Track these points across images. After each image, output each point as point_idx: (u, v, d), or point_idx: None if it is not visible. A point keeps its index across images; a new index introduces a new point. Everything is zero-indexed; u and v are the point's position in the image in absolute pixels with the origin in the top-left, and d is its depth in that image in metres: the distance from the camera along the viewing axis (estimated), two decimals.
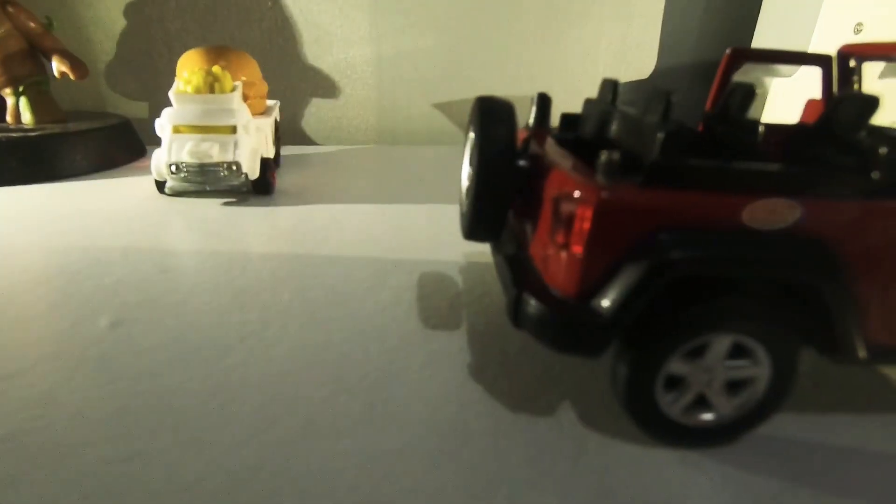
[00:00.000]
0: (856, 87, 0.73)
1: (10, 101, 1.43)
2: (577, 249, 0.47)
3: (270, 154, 1.39)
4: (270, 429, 0.53)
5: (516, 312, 0.52)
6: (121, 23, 1.81)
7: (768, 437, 0.55)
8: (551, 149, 0.60)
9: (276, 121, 1.52)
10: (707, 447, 0.53)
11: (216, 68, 1.21)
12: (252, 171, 1.21)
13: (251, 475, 0.47)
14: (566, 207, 0.47)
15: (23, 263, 0.87)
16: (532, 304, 0.50)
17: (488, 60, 2.04)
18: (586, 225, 0.45)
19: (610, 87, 0.70)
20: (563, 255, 0.48)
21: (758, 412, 0.51)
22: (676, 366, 0.49)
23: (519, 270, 0.56)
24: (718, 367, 0.50)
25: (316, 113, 2.02)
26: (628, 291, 0.45)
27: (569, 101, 2.18)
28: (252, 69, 1.39)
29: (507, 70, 2.07)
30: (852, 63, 0.72)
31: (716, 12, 2.17)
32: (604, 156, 0.46)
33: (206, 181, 1.18)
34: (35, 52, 1.45)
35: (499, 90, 2.10)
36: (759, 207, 0.45)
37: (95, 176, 1.39)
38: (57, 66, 1.44)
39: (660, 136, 0.48)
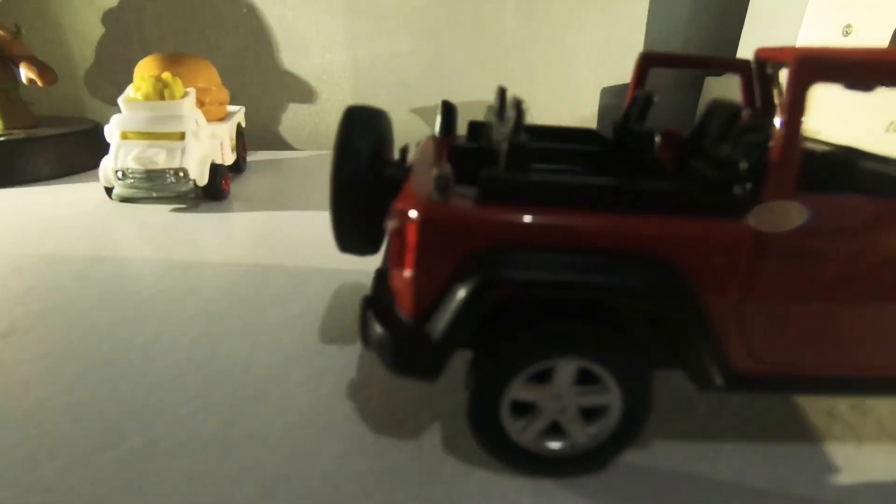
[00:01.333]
0: (775, 93, 0.69)
1: None
2: (408, 268, 0.44)
3: (228, 160, 1.39)
4: (114, 446, 0.52)
5: (364, 331, 0.50)
6: (99, 30, 1.84)
7: (633, 467, 0.51)
8: (423, 159, 0.58)
9: (239, 126, 1.53)
10: (565, 476, 0.50)
11: (166, 75, 1.22)
12: (201, 177, 1.21)
13: (71, 499, 0.46)
14: (399, 224, 0.45)
15: None
16: (373, 323, 0.47)
17: (466, 65, 2.02)
18: (413, 242, 0.43)
19: (501, 94, 0.67)
20: (400, 273, 0.46)
21: (613, 442, 0.48)
22: (523, 391, 0.46)
23: (378, 287, 0.53)
24: (569, 393, 0.47)
25: (293, 118, 2.02)
26: (454, 313, 0.42)
27: (551, 106, 2.15)
28: (209, 75, 1.39)
29: (485, 75, 2.04)
30: (769, 70, 0.68)
31: (702, 14, 2.12)
32: (435, 170, 0.44)
33: (152, 187, 1.19)
34: (4, 60, 1.47)
35: (477, 95, 2.08)
36: (594, 224, 0.42)
37: (57, 181, 1.41)
38: (25, 72, 1.46)
39: (504, 147, 0.45)
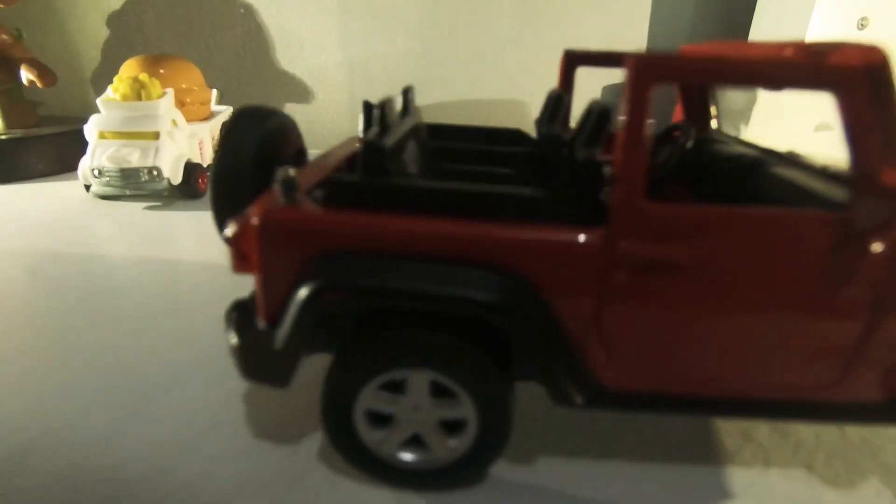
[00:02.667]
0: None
1: None
2: (256, 272, 0.44)
3: (207, 159, 1.42)
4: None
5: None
6: (104, 32, 1.90)
7: (509, 483, 0.49)
8: (318, 161, 0.57)
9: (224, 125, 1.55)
10: (430, 489, 0.48)
11: (143, 76, 1.25)
12: (174, 175, 1.24)
13: None
14: (239, 228, 0.44)
15: None
16: (229, 328, 0.47)
17: (462, 63, 2.00)
18: (255, 247, 0.42)
19: (405, 93, 0.65)
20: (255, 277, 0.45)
21: (472, 457, 0.46)
22: (377, 401, 0.45)
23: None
24: (427, 405, 0.45)
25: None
26: (292, 318, 0.42)
27: None
28: (192, 76, 1.42)
29: (481, 73, 2.02)
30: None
31: (710, 8, 2.03)
32: (281, 174, 0.43)
33: (127, 185, 1.22)
34: (6, 62, 1.54)
35: (474, 93, 2.06)
36: (436, 231, 0.40)
37: (51, 178, 1.47)
38: (25, 74, 1.53)
39: (360, 149, 0.44)
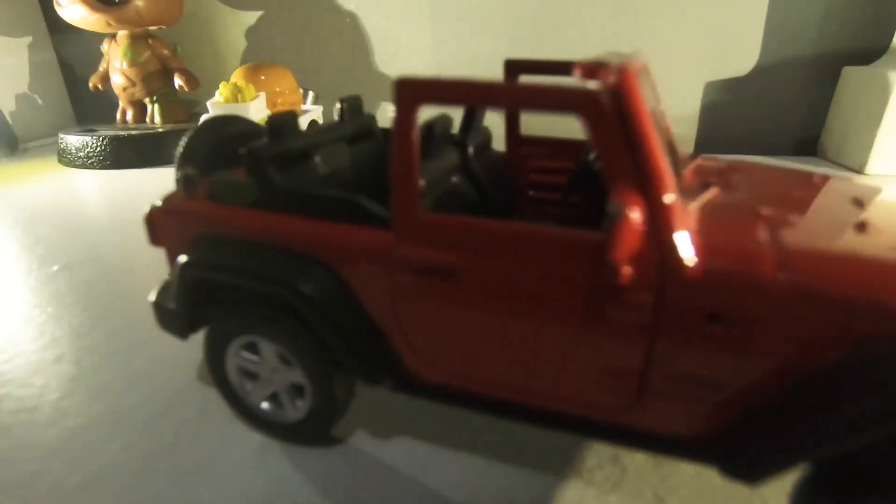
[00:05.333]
0: None
1: (149, 107, 1.98)
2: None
3: None
4: None
5: None
6: (243, 43, 2.28)
7: (362, 453, 0.56)
8: None
9: (314, 122, 1.78)
10: (290, 441, 0.57)
11: (241, 82, 1.51)
12: None
13: None
14: (155, 210, 0.57)
15: None
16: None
17: None
18: (156, 226, 0.55)
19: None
20: None
21: (313, 418, 0.53)
22: (242, 359, 0.55)
23: None
24: (279, 368, 0.54)
25: (382, 115, 2.24)
26: (175, 284, 0.54)
27: None
28: (285, 81, 1.66)
29: None
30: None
31: None
32: (181, 172, 0.55)
33: None
34: (166, 71, 1.96)
35: None
36: (267, 224, 0.49)
37: None
38: (177, 80, 1.93)
39: (242, 151, 0.54)
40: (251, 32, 2.25)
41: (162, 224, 0.55)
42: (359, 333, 0.48)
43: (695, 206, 0.42)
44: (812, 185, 0.50)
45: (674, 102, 1.97)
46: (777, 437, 0.36)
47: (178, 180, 0.55)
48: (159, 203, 0.55)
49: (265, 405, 0.57)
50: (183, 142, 0.67)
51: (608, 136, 0.36)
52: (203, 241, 0.52)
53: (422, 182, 0.47)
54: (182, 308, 0.54)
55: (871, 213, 0.43)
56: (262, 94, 1.52)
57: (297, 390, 0.55)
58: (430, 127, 0.52)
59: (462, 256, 0.42)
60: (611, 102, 0.35)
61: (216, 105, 1.50)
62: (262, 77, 1.60)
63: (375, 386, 0.50)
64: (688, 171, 0.52)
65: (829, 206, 0.45)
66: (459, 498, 0.51)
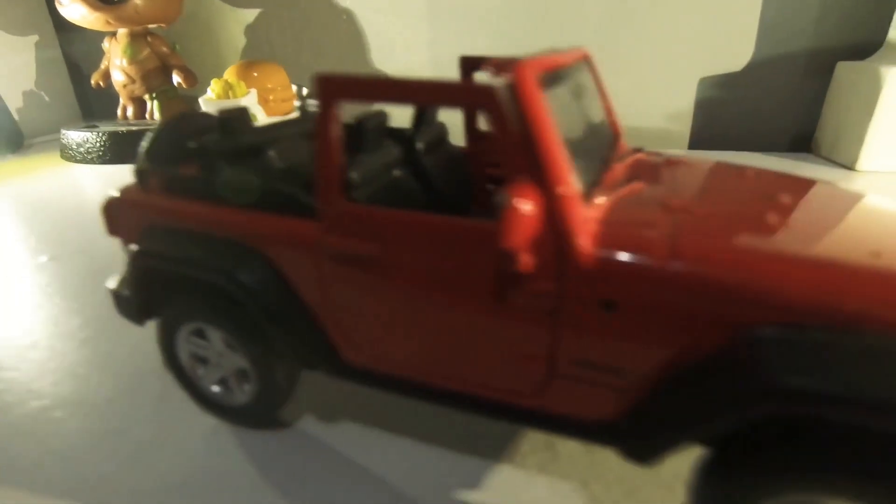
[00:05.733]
0: None
1: (149, 104, 2.02)
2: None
3: None
4: None
5: None
6: (242, 41, 2.32)
7: (310, 438, 0.58)
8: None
9: None
10: (241, 425, 0.59)
11: (232, 79, 1.54)
12: None
13: None
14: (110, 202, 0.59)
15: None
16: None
17: None
18: (112, 216, 0.58)
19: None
20: None
21: (259, 401, 0.56)
22: (192, 344, 0.58)
23: None
24: (226, 353, 0.56)
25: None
26: (127, 271, 0.56)
27: (635, 101, 1.98)
28: (277, 77, 1.69)
29: None
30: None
31: None
32: (136, 166, 0.57)
33: None
34: (165, 69, 2.00)
35: None
36: (199, 214, 0.51)
37: None
38: (176, 77, 1.97)
39: (191, 146, 0.57)
40: (250, 30, 2.28)
41: (117, 215, 0.58)
42: (293, 320, 0.50)
43: (605, 198, 0.43)
44: (742, 179, 0.51)
45: (667, 98, 1.96)
46: (664, 419, 0.37)
47: (133, 173, 0.57)
48: (115, 194, 0.57)
49: (216, 389, 0.59)
50: (148, 137, 0.69)
51: (504, 129, 0.37)
52: (152, 232, 0.54)
53: (354, 175, 0.49)
54: (135, 295, 0.57)
55: (786, 208, 0.44)
56: (254, 91, 1.55)
57: (244, 375, 0.57)
58: (360, 122, 0.54)
59: (381, 246, 0.44)
60: (507, 98, 0.37)
61: (208, 101, 1.54)
62: (255, 74, 1.63)
63: (312, 370, 0.52)
64: (621, 165, 0.53)
65: (746, 200, 0.46)
66: (397, 480, 0.53)
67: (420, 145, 0.64)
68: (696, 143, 1.95)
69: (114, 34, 1.95)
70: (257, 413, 0.57)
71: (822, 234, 0.39)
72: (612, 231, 0.39)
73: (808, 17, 1.73)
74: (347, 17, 2.14)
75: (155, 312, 0.58)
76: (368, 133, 0.54)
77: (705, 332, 0.36)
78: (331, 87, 0.42)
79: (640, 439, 0.39)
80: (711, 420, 0.35)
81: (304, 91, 1.86)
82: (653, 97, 1.93)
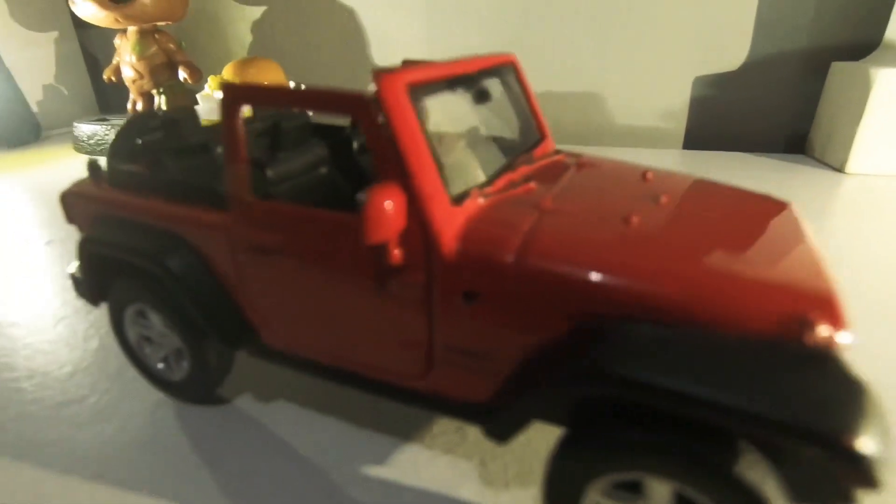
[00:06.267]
0: None
1: (156, 98, 2.11)
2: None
3: None
4: None
5: None
6: (249, 37, 2.39)
7: (245, 414, 0.63)
8: None
9: None
10: (182, 401, 0.65)
11: (229, 75, 1.60)
12: None
13: None
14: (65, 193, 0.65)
15: None
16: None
17: (536, 58, 2.01)
18: (67, 207, 0.64)
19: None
20: None
21: (196, 378, 0.61)
22: (137, 325, 0.63)
23: None
24: (166, 333, 0.62)
25: None
26: (79, 258, 0.62)
27: (627, 99, 1.98)
28: (273, 74, 1.74)
29: (554, 67, 1.99)
30: None
31: None
32: (88, 162, 0.63)
33: None
34: (172, 64, 2.08)
35: (550, 86, 2.03)
36: (132, 204, 0.57)
37: None
38: (182, 73, 2.05)
39: (137, 142, 0.62)
40: (255, 26, 2.35)
41: (72, 205, 0.63)
42: (214, 303, 0.55)
43: (487, 198, 0.46)
44: (636, 181, 0.54)
45: (662, 96, 1.95)
46: (512, 400, 0.41)
47: (86, 167, 0.63)
48: (70, 186, 0.63)
49: (161, 366, 0.65)
50: (114, 134, 0.75)
51: (373, 135, 0.41)
52: (98, 221, 0.60)
53: (260, 171, 0.54)
54: (87, 279, 0.63)
55: (658, 209, 0.47)
56: None
57: (181, 353, 0.63)
58: (276, 123, 0.58)
59: (279, 238, 0.48)
60: (375, 107, 0.41)
61: (205, 97, 1.60)
62: (251, 71, 1.69)
63: (235, 350, 0.57)
64: (529, 167, 0.56)
65: (622, 201, 0.48)
66: (313, 454, 0.57)
67: (356, 144, 0.68)
68: (690, 142, 1.94)
69: (124, 31, 2.03)
70: (196, 389, 0.63)
71: (676, 236, 0.42)
72: (477, 229, 0.42)
73: (805, 15, 1.70)
74: (348, 14, 2.19)
75: (105, 295, 0.64)
76: (285, 133, 0.59)
77: (551, 323, 0.40)
78: (232, 94, 0.47)
79: (495, 418, 0.42)
80: (545, 402, 0.38)
81: (303, 87, 1.91)
82: (646, 95, 1.92)
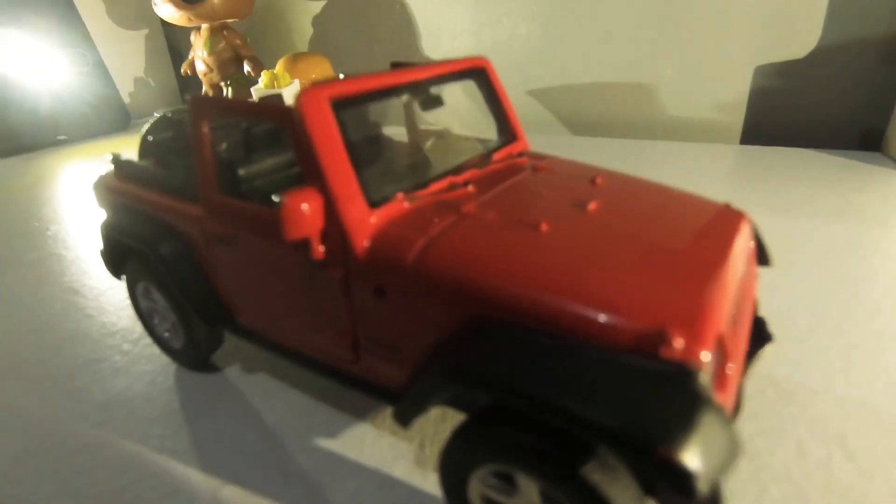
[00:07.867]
0: None
1: (224, 90, 2.29)
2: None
3: None
4: None
5: None
6: (309, 31, 2.52)
7: (225, 379, 0.72)
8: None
9: None
10: (184, 366, 0.75)
11: (280, 70, 1.72)
12: None
13: None
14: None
15: None
16: None
17: (584, 46, 1.96)
18: (96, 196, 0.75)
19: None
20: None
21: (191, 346, 0.70)
22: (146, 300, 0.73)
23: None
24: (167, 306, 0.71)
25: None
26: (101, 237, 0.73)
27: (682, 90, 1.88)
28: (321, 68, 1.85)
29: (604, 56, 1.93)
30: None
31: None
32: (112, 157, 0.73)
33: None
34: (238, 59, 2.25)
35: (598, 77, 1.97)
36: (138, 196, 0.66)
37: None
38: (247, 66, 2.21)
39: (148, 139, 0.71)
40: (315, 21, 2.47)
41: (100, 194, 0.74)
42: (196, 285, 0.63)
43: (412, 201, 0.50)
44: (585, 187, 0.54)
45: (718, 87, 1.83)
46: (409, 388, 0.44)
47: (111, 161, 0.74)
48: (99, 177, 0.74)
49: (167, 334, 0.75)
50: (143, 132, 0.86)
51: (296, 143, 0.46)
52: (114, 208, 0.70)
53: (242, 171, 0.60)
54: (107, 257, 0.74)
55: (577, 216, 0.48)
56: (297, 81, 1.72)
57: (176, 326, 0.72)
58: (247, 129, 0.64)
59: (235, 230, 0.55)
60: (298, 118, 0.45)
61: (258, 90, 1.73)
62: (300, 66, 1.80)
63: (214, 328, 0.65)
64: (478, 170, 0.58)
65: (550, 205, 0.50)
66: (276, 423, 0.64)
67: None
68: (749, 137, 1.82)
69: (198, 29, 2.23)
70: (191, 357, 0.72)
71: (576, 244, 0.43)
72: (389, 231, 0.46)
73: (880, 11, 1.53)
74: (400, 7, 2.24)
75: (123, 271, 0.75)
76: (255, 137, 0.65)
77: (447, 322, 0.43)
78: (198, 108, 0.54)
79: (398, 404, 0.46)
80: (434, 393, 0.41)
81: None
82: (702, 86, 1.82)
